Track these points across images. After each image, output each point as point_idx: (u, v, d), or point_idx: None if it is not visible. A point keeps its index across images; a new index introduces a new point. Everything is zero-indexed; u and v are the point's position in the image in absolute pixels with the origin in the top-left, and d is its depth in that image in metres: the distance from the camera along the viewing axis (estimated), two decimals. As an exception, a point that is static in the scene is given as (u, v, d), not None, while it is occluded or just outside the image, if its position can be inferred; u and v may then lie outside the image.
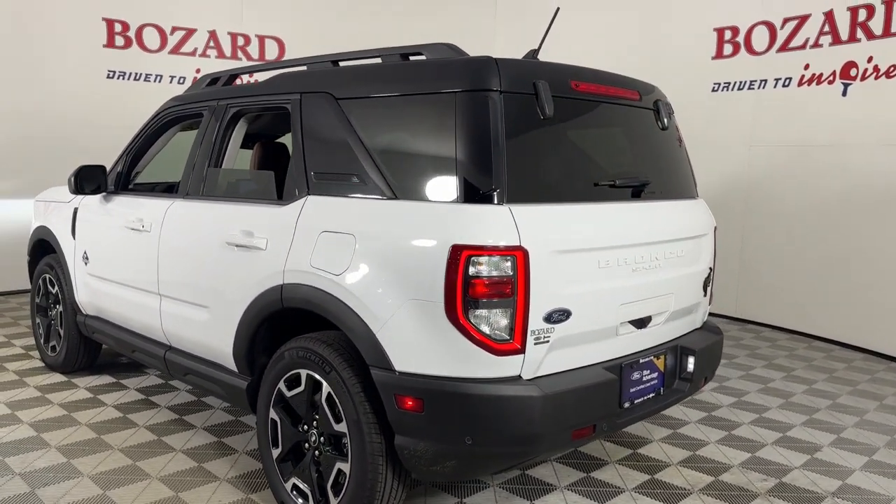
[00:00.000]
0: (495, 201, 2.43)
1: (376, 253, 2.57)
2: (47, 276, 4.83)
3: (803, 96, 6.48)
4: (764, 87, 6.80)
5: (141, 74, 7.82)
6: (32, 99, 7.22)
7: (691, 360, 3.10)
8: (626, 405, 2.81)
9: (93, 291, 4.32)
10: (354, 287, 2.59)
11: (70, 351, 4.69)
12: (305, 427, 2.83)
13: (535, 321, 2.45)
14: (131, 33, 7.74)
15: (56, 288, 4.72)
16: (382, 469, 2.59)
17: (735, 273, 7.07)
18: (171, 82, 7.90)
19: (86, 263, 4.33)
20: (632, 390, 2.84)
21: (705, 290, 3.31)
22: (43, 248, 4.91)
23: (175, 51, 7.97)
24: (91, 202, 4.36)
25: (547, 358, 2.51)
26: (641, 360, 2.89)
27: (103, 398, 4.40)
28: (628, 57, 7.57)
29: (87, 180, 4.12)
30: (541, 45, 3.09)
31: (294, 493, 2.87)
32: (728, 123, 7.06)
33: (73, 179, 4.12)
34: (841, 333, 6.26)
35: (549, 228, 2.52)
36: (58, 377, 4.78)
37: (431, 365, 2.45)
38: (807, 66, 6.45)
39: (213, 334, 3.29)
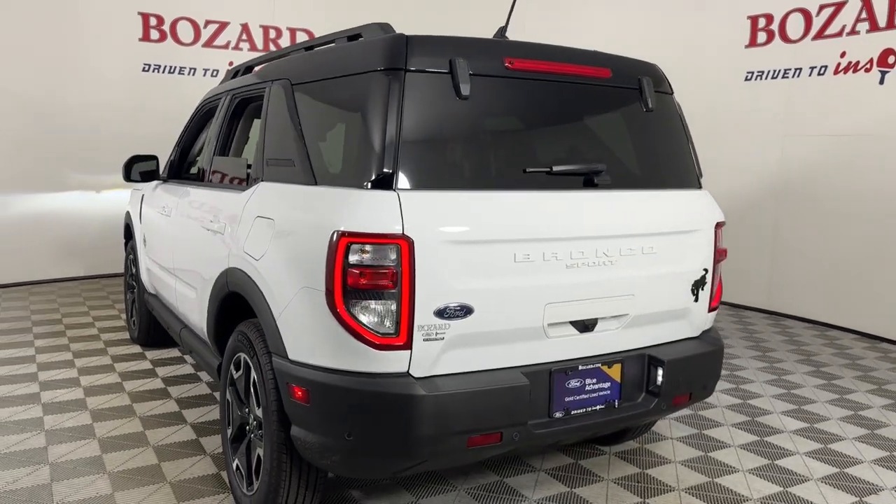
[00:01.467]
0: (384, 187, 2.29)
1: (284, 239, 2.55)
2: (130, 256, 5.35)
3: (839, 85, 6.35)
4: (798, 76, 6.68)
5: (175, 67, 7.96)
6: (73, 92, 7.41)
7: (660, 371, 2.73)
8: (559, 414, 2.56)
9: (149, 272, 4.70)
10: (266, 272, 2.59)
11: (142, 325, 5.14)
12: (246, 410, 2.86)
13: (425, 316, 2.27)
14: (166, 27, 7.88)
15: (135, 268, 5.18)
16: (286, 459, 2.55)
17: (767, 265, 6.98)
18: (204, 75, 8.04)
19: (144, 246, 4.77)
20: (568, 399, 2.58)
21: (696, 294, 2.89)
22: (130, 232, 5.38)
23: (208, 44, 8.09)
24: (150, 190, 4.72)
25: (445, 356, 2.33)
26: (582, 368, 2.60)
27: (159, 370, 4.72)
28: (661, 46, 7.48)
29: (138, 169, 4.44)
30: (507, 21, 3.03)
31: (237, 472, 2.92)
32: (761, 113, 6.96)
33: (123, 168, 4.44)
34: (871, 326, 6.16)
35: (444, 217, 2.32)
36: (135, 349, 5.21)
37: (317, 356, 2.36)
38: (843, 54, 6.32)
39: (197, 314, 3.49)
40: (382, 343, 2.25)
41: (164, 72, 7.91)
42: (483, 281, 2.36)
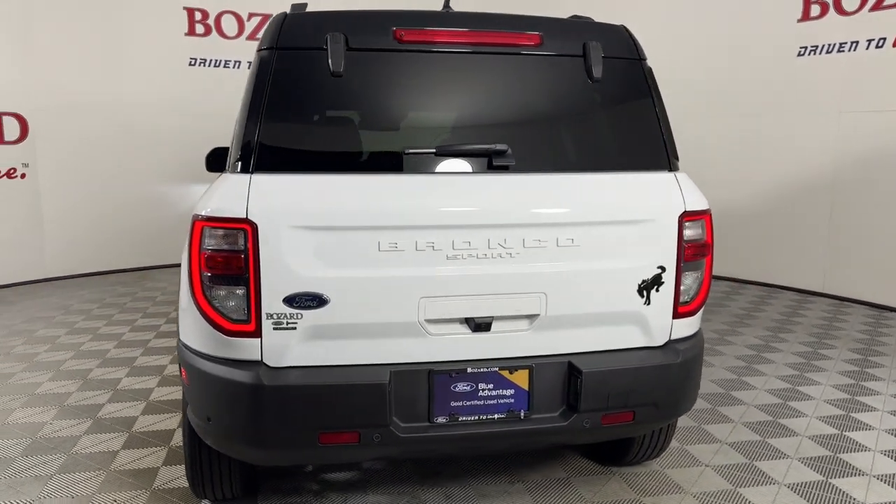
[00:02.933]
0: (243, 170, 2.24)
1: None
2: None
3: (899, 58, 6.08)
4: (855, 50, 6.40)
5: (220, 61, 8.09)
6: (124, 90, 7.59)
7: (579, 383, 2.38)
8: (442, 420, 2.35)
9: None
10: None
11: None
12: None
13: (273, 304, 2.20)
14: (210, 21, 8.00)
15: None
16: (197, 441, 2.58)
17: (823, 247, 6.76)
18: (248, 68, 8.14)
19: None
20: (455, 404, 2.35)
21: (645, 297, 2.45)
22: None
23: (252, 37, 8.19)
24: None
25: (301, 347, 2.25)
26: (473, 371, 2.36)
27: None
28: (712, 21, 7.28)
29: (215, 161, 4.27)
30: None
31: None
32: (816, 89, 6.71)
33: (206, 159, 4.26)
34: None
35: (295, 201, 2.21)
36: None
37: (191, 339, 2.37)
38: (903, 25, 6.04)
39: None
40: (234, 329, 2.22)
41: (209, 65, 8.04)
42: (340, 270, 2.23)
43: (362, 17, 2.46)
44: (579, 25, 2.60)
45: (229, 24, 8.09)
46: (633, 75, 2.58)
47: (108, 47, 7.49)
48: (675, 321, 2.52)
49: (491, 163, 2.36)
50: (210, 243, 2.20)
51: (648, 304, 2.47)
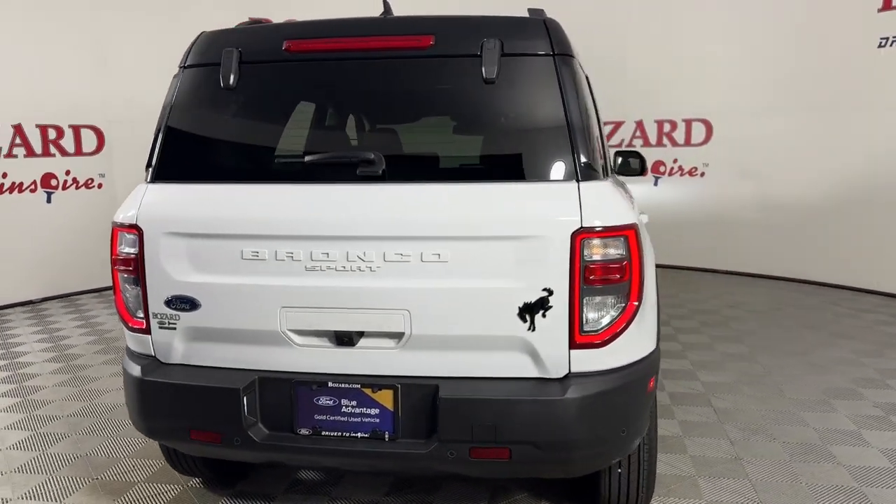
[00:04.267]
0: (147, 179, 2.46)
1: None
2: None
3: None
4: (942, 38, 6.11)
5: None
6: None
7: (437, 409, 2.21)
8: (304, 432, 2.32)
9: None
10: None
11: None
12: None
13: (156, 304, 2.36)
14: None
15: None
16: None
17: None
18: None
19: None
20: (318, 417, 2.31)
21: (529, 322, 2.18)
22: None
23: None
24: None
25: (183, 347, 2.39)
26: (334, 385, 2.30)
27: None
28: (787, 12, 7.06)
29: None
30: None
31: None
32: (898, 81, 6.43)
33: None
34: None
35: (170, 209, 2.35)
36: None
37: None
38: None
39: None
40: (134, 326, 2.45)
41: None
42: (209, 276, 2.32)
43: (258, 32, 2.53)
44: (481, 23, 2.37)
45: (293, 34, 8.23)
46: (540, 73, 2.30)
47: (174, 58, 7.67)
48: (575, 352, 2.20)
49: (369, 173, 2.28)
50: (119, 246, 2.43)
51: (533, 330, 2.20)
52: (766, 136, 7.48)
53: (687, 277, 7.72)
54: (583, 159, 2.23)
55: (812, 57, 7.07)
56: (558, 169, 2.23)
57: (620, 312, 2.21)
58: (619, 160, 3.85)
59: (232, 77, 2.40)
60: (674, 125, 8.18)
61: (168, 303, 2.36)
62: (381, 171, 2.27)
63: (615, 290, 2.19)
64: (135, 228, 2.36)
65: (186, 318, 2.36)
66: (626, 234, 2.18)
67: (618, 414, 2.27)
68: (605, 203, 2.21)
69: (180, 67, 2.52)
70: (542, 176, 2.25)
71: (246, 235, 2.28)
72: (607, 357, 2.23)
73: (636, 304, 2.22)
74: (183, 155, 2.47)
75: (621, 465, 2.57)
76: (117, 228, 2.41)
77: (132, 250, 2.37)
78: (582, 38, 8.31)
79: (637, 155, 4.23)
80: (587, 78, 2.81)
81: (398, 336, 2.25)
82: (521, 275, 2.17)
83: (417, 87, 2.44)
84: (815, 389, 4.22)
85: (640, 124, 8.33)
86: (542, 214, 2.17)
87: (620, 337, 2.22)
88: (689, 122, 8.08)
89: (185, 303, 2.35)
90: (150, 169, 2.46)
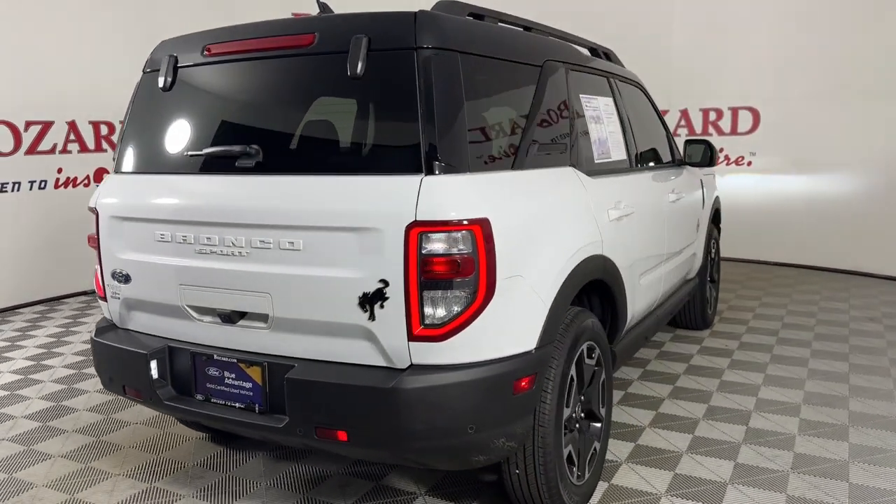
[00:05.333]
0: (111, 171, 2.94)
1: None
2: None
3: None
4: None
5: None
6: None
7: (285, 388, 2.35)
8: (200, 397, 2.61)
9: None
10: None
11: None
12: None
13: (107, 276, 2.82)
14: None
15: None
16: None
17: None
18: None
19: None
20: (209, 386, 2.58)
21: (368, 312, 2.24)
22: None
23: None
24: None
25: (127, 314, 2.83)
26: (218, 358, 2.54)
27: None
28: None
29: None
30: None
31: None
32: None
33: None
34: None
35: (114, 196, 2.81)
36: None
37: None
38: None
39: None
40: (99, 294, 2.93)
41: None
42: (135, 253, 2.72)
43: (192, 38, 2.78)
44: (358, 19, 2.41)
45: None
46: (401, 68, 2.30)
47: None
48: (414, 344, 2.23)
49: (251, 164, 2.47)
50: (93, 227, 2.89)
51: (373, 319, 2.25)
52: (816, 125, 7.28)
53: (740, 269, 7.58)
54: (433, 153, 2.22)
55: (863, 42, 6.85)
56: (405, 163, 2.25)
57: (465, 308, 2.20)
58: (687, 149, 4.47)
59: (167, 80, 2.74)
60: (720, 114, 8.02)
61: (112, 275, 2.81)
62: (254, 164, 2.46)
63: (458, 286, 2.19)
64: (94, 211, 2.87)
65: (124, 290, 2.79)
66: (471, 229, 2.18)
67: (461, 410, 2.26)
68: (447, 197, 2.20)
69: (142, 72, 2.90)
70: (391, 169, 2.28)
71: (156, 220, 2.64)
72: (449, 351, 2.23)
73: (485, 300, 2.21)
74: (131, 150, 2.89)
75: (518, 467, 2.57)
76: (90, 211, 2.91)
77: (93, 229, 2.87)
78: (626, 27, 8.27)
79: (702, 143, 4.56)
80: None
81: (265, 318, 2.44)
82: (362, 265, 2.24)
83: (299, 84, 2.56)
84: None
85: (684, 113, 8.19)
86: (379, 207, 2.22)
87: (463, 332, 2.21)
88: (735, 111, 7.92)
89: (122, 276, 2.78)
90: (114, 161, 2.95)
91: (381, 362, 2.30)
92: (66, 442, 3.61)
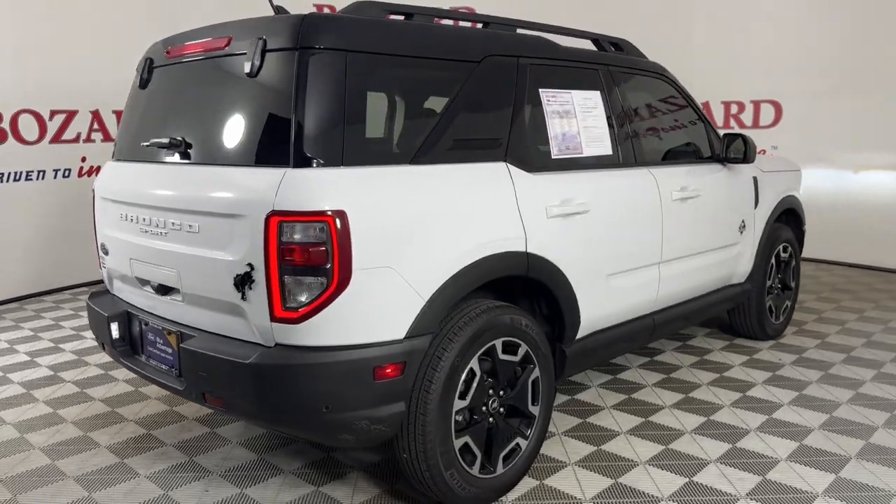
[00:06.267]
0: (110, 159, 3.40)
1: None
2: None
3: None
4: None
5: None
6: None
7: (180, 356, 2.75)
8: (144, 358, 3.06)
9: None
10: None
11: None
12: None
13: (99, 247, 3.29)
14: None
15: None
16: None
17: None
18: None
19: None
20: (150, 348, 3.03)
21: (241, 292, 2.46)
22: None
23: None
24: None
25: (111, 281, 3.31)
26: (150, 325, 3.00)
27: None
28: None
29: None
30: None
31: None
32: None
33: None
34: None
35: (103, 179, 3.29)
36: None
37: None
38: None
39: None
40: (99, 263, 3.36)
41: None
42: (109, 230, 3.19)
43: (165, 41, 3.09)
44: (261, 23, 2.62)
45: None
46: (283, 68, 2.48)
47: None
48: (276, 325, 2.41)
49: (182, 152, 2.83)
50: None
51: (245, 300, 2.46)
52: (838, 119, 7.22)
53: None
54: (300, 148, 2.39)
55: (886, 36, 6.77)
56: (277, 156, 2.43)
57: (320, 294, 2.35)
58: (725, 142, 4.24)
59: (142, 78, 3.13)
60: (741, 107, 7.97)
61: (100, 247, 3.29)
62: (176, 154, 2.85)
63: (314, 272, 2.35)
64: (92, 191, 3.36)
65: (106, 260, 3.25)
66: (326, 220, 2.33)
67: (314, 389, 2.42)
68: (304, 190, 2.36)
69: (136, 70, 3.25)
70: (267, 162, 2.48)
71: (120, 202, 3.08)
72: (307, 334, 2.40)
73: (338, 288, 2.35)
74: (119, 139, 3.35)
75: (404, 451, 2.65)
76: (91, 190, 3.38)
77: (91, 207, 3.37)
78: (647, 19, 8.23)
79: (737, 137, 4.25)
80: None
81: (178, 291, 2.78)
82: (236, 249, 2.47)
83: (216, 83, 2.80)
84: None
85: (706, 105, 8.14)
86: (247, 196, 2.45)
87: (318, 317, 2.37)
88: (757, 104, 7.86)
89: (104, 248, 3.25)
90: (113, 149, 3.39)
91: (257, 339, 2.50)
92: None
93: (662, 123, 4.05)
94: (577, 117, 3.31)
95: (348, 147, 2.46)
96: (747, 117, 7.96)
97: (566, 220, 3.10)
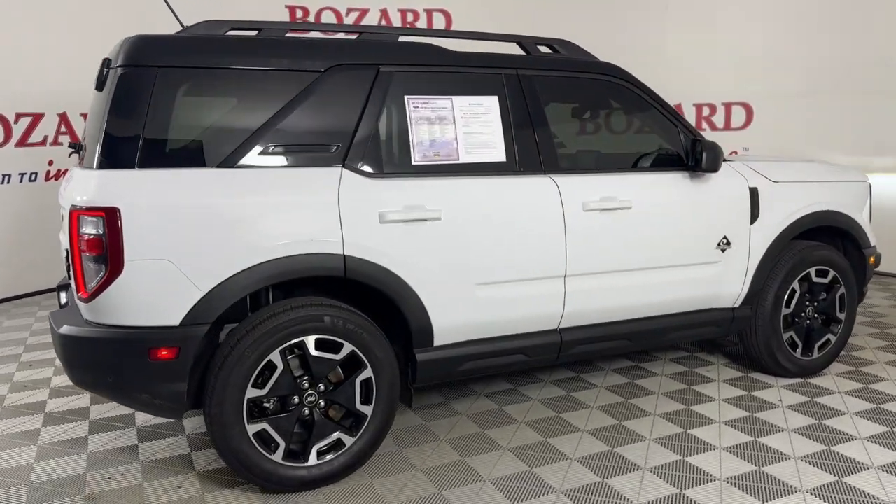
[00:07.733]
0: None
1: None
2: None
3: None
4: None
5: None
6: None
7: None
8: None
9: None
10: None
11: None
12: None
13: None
14: (311, 18, 8.18)
15: None
16: None
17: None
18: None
19: None
20: None
21: (68, 274, 3.15)
22: None
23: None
24: None
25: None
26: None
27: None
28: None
29: None
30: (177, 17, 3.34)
31: None
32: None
33: None
34: None
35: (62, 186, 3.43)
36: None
37: None
38: None
39: None
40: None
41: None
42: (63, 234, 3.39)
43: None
44: (121, 44, 2.94)
45: (329, 20, 8.26)
46: (108, 83, 2.93)
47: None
48: (81, 304, 2.85)
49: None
50: None
51: (70, 278, 3.12)
52: (809, 120, 7.30)
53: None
54: (103, 153, 2.79)
55: (853, 39, 6.86)
56: (93, 160, 2.83)
57: (100, 279, 2.73)
58: (690, 149, 3.79)
59: (98, 80, 3.05)
60: (713, 109, 8.04)
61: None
62: (81, 157, 3.20)
63: (95, 260, 2.73)
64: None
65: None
66: (100, 215, 2.69)
67: (96, 360, 2.82)
68: (94, 189, 2.74)
69: None
70: (90, 165, 2.85)
71: (61, 206, 3.18)
72: (95, 312, 2.80)
73: (112, 275, 2.71)
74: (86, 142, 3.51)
75: (209, 427, 2.90)
76: None
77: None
78: (619, 21, 8.21)
79: (697, 143, 3.79)
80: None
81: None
82: (65, 238, 3.01)
83: (104, 93, 2.98)
84: None
85: (678, 108, 8.20)
86: (70, 193, 2.89)
87: (100, 299, 2.75)
88: (728, 106, 7.93)
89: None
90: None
91: (85, 316, 2.88)
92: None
93: (603, 128, 3.87)
94: (457, 123, 3.27)
95: (144, 152, 2.78)
96: (719, 119, 8.02)
97: (409, 226, 3.10)
